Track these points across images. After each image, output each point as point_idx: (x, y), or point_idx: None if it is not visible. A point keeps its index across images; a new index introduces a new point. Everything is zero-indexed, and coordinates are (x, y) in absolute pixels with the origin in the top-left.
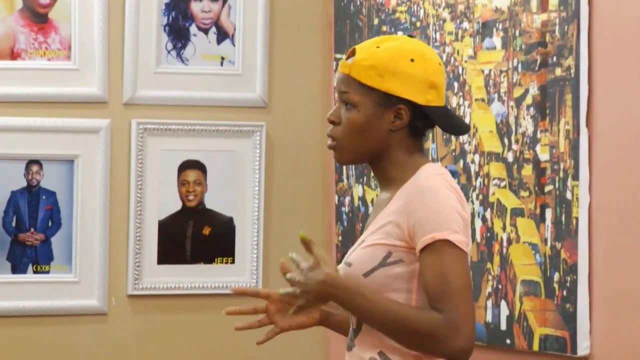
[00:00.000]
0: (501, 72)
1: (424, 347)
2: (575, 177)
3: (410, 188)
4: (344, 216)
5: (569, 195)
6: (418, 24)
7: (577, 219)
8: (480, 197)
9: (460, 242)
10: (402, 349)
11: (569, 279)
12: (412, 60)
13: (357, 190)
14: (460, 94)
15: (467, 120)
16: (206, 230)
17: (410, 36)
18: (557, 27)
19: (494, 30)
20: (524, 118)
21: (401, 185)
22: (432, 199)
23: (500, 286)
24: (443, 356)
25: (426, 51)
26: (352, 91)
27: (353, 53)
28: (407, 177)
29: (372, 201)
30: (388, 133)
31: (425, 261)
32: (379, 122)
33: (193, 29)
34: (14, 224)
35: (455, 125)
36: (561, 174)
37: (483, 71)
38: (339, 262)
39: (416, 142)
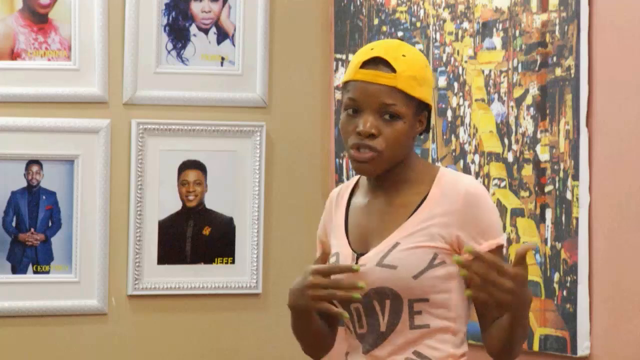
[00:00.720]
0: (501, 72)
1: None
2: (575, 177)
3: (455, 193)
4: None
5: (569, 196)
6: (418, 24)
7: (577, 219)
8: None
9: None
10: (439, 347)
11: (569, 279)
12: (427, 66)
13: None
14: (461, 94)
15: (467, 121)
16: (206, 231)
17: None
18: (557, 27)
19: (494, 30)
20: (524, 118)
21: (418, 188)
22: (487, 205)
23: None
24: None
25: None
26: (399, 103)
27: (386, 63)
28: (424, 180)
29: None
30: (413, 140)
31: None
32: (413, 131)
33: (193, 29)
34: (14, 224)
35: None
36: (561, 174)
37: (483, 71)
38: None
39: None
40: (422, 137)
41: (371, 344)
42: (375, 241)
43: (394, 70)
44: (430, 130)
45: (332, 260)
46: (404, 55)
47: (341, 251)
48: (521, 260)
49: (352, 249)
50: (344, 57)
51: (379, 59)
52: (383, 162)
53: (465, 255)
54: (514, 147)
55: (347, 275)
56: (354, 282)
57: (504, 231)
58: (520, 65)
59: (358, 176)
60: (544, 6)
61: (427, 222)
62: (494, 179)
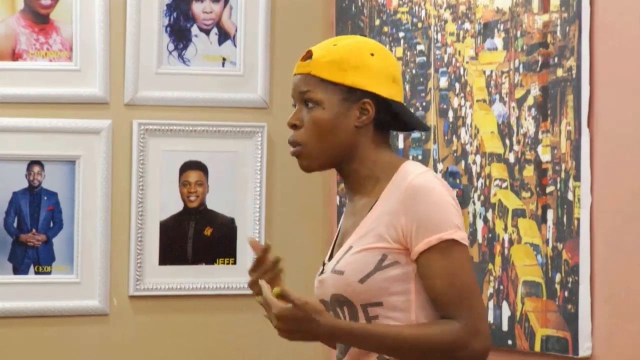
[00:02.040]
0: (502, 73)
1: (447, 357)
2: (577, 178)
3: (401, 187)
4: None
5: (570, 196)
6: (419, 25)
7: (578, 219)
8: (482, 198)
9: (464, 239)
10: None
11: (570, 279)
12: (372, 54)
13: None
14: (462, 95)
15: (468, 122)
16: (207, 231)
17: (363, 36)
18: (558, 28)
19: (496, 31)
20: (526, 119)
21: (380, 185)
22: (430, 197)
23: (501, 287)
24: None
25: (383, 47)
26: (314, 89)
27: (310, 54)
28: (385, 176)
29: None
30: (355, 130)
31: (431, 263)
32: (346, 119)
33: (194, 29)
34: (15, 224)
35: (416, 121)
36: (563, 175)
37: (484, 72)
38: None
39: (383, 138)
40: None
41: (341, 351)
42: (343, 244)
43: (310, 58)
44: (409, 125)
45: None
46: (334, 45)
47: (327, 259)
48: (286, 300)
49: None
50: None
51: (308, 51)
52: (312, 155)
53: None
54: (516, 147)
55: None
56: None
57: (506, 232)
58: (521, 65)
59: None
60: (545, 7)
61: (376, 222)
62: (496, 179)
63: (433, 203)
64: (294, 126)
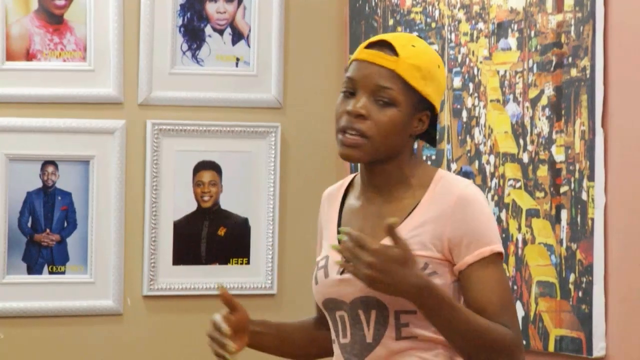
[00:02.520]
0: (516, 72)
1: (502, 358)
2: (591, 178)
3: (447, 197)
4: None
5: (584, 196)
6: (433, 25)
7: (592, 219)
8: (496, 198)
9: (503, 254)
10: (428, 359)
11: (584, 280)
12: (439, 66)
13: None
14: (476, 94)
15: (482, 122)
16: (221, 231)
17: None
18: (572, 28)
19: (509, 31)
20: (540, 119)
21: (412, 192)
22: (482, 209)
23: (515, 287)
24: None
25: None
26: (397, 89)
27: (391, 48)
28: (419, 183)
29: None
30: (408, 137)
31: (481, 274)
32: (409, 125)
33: (208, 29)
34: (29, 224)
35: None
36: (577, 175)
37: (498, 72)
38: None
39: (412, 147)
40: (427, 145)
41: (357, 354)
42: None
43: (397, 55)
44: (436, 141)
45: (322, 263)
46: (413, 46)
47: (331, 255)
48: (393, 237)
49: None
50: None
51: (385, 42)
52: (371, 150)
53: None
54: (529, 147)
55: (330, 289)
56: (223, 344)
57: (520, 232)
58: (535, 65)
59: (352, 175)
60: (559, 7)
61: (419, 229)
62: (509, 179)
63: (484, 215)
64: (360, 115)
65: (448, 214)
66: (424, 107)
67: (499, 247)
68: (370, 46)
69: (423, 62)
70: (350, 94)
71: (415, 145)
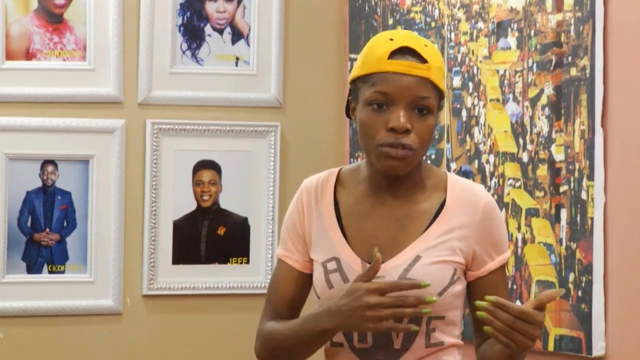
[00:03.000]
0: (516, 72)
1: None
2: (591, 177)
3: (473, 205)
4: None
5: (584, 196)
6: (433, 24)
7: (592, 219)
8: (495, 197)
9: None
10: None
11: (584, 279)
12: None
13: None
14: (475, 94)
15: (481, 121)
16: (221, 231)
17: None
18: (572, 27)
19: (509, 30)
20: (539, 118)
21: (428, 194)
22: (502, 219)
23: (515, 287)
24: None
25: None
26: (432, 96)
27: (414, 54)
28: (433, 186)
29: None
30: None
31: (499, 279)
32: None
33: (208, 29)
34: (29, 224)
35: None
36: (576, 174)
37: (498, 71)
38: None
39: None
40: None
41: (387, 357)
42: (389, 251)
43: (425, 61)
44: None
45: (332, 265)
46: (426, 45)
47: (343, 257)
48: (543, 306)
49: (360, 257)
50: (358, 57)
51: (406, 49)
52: (415, 161)
53: (483, 303)
54: (529, 147)
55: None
56: (421, 297)
57: (519, 231)
58: (535, 65)
59: (336, 170)
60: (559, 6)
61: (447, 235)
62: (509, 179)
63: (503, 224)
64: (407, 130)
65: (476, 221)
66: (441, 107)
67: (509, 253)
68: (393, 56)
69: (441, 61)
70: (379, 106)
71: None
